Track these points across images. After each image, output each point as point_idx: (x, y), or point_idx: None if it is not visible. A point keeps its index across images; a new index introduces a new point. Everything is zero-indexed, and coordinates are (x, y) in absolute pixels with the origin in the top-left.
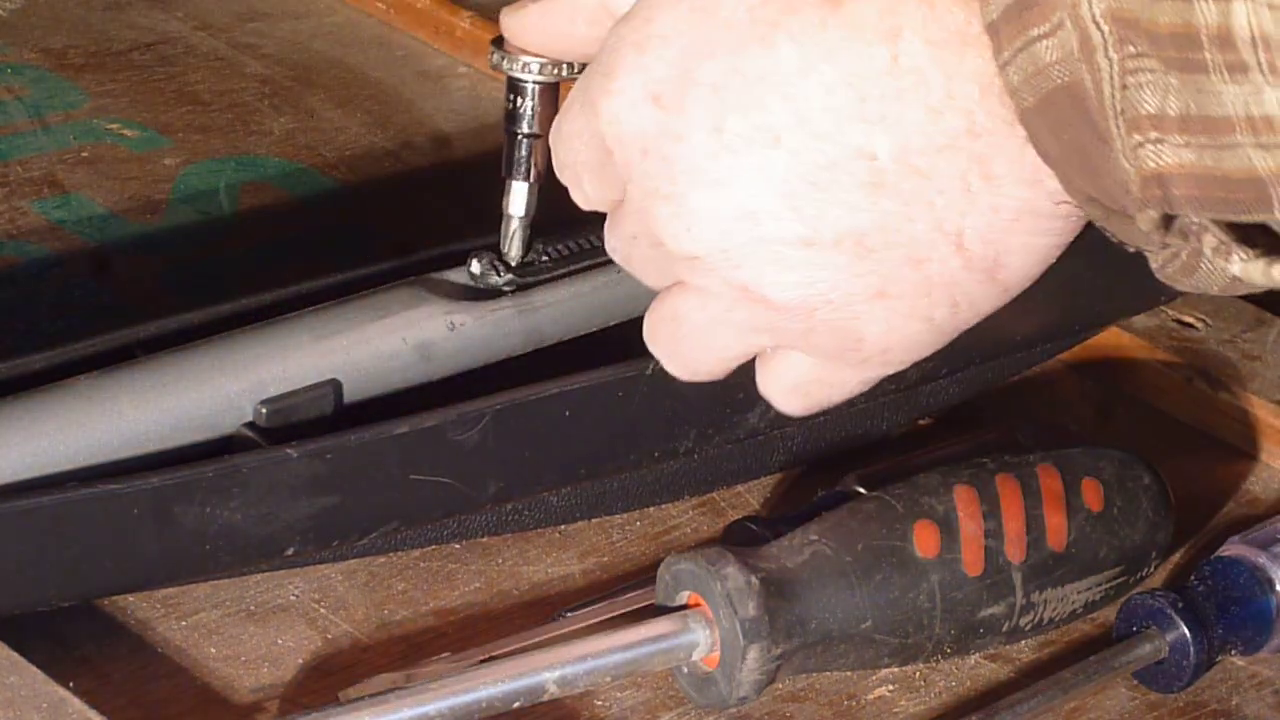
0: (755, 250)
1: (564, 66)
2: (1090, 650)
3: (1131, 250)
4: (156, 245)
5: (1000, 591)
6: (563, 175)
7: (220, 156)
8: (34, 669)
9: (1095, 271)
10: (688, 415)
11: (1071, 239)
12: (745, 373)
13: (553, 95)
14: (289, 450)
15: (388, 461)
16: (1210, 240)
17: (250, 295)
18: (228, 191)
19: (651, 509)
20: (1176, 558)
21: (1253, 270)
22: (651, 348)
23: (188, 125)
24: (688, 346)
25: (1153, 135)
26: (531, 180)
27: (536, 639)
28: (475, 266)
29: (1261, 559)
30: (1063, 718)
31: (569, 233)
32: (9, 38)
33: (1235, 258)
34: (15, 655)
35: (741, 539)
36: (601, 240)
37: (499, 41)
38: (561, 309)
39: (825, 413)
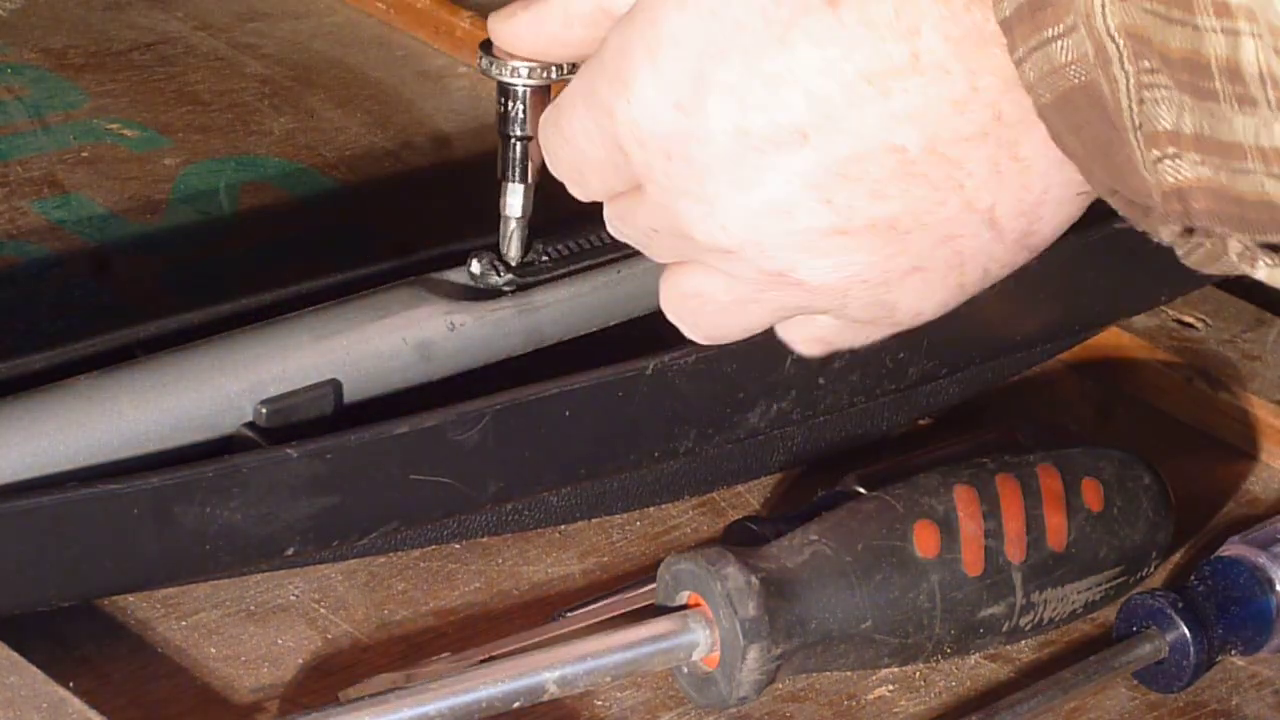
0: (789, 241)
1: (555, 69)
2: (1090, 650)
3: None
4: (156, 245)
5: (1000, 591)
6: (559, 172)
7: (220, 156)
8: (34, 669)
9: (1095, 271)
10: (688, 415)
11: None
12: (746, 373)
13: (544, 97)
14: (289, 450)
15: (388, 461)
16: (1235, 246)
17: (250, 295)
18: (228, 191)
19: (651, 509)
20: (1176, 558)
21: (1279, 276)
22: (671, 318)
23: (188, 125)
24: (713, 321)
25: (1170, 150)
26: (528, 182)
27: (536, 639)
28: (475, 266)
29: (1261, 559)
30: (1063, 718)
31: (569, 233)
32: (9, 38)
33: (1261, 264)
34: (15, 655)
35: (741, 539)
36: (602, 240)
37: (487, 46)
38: (561, 309)
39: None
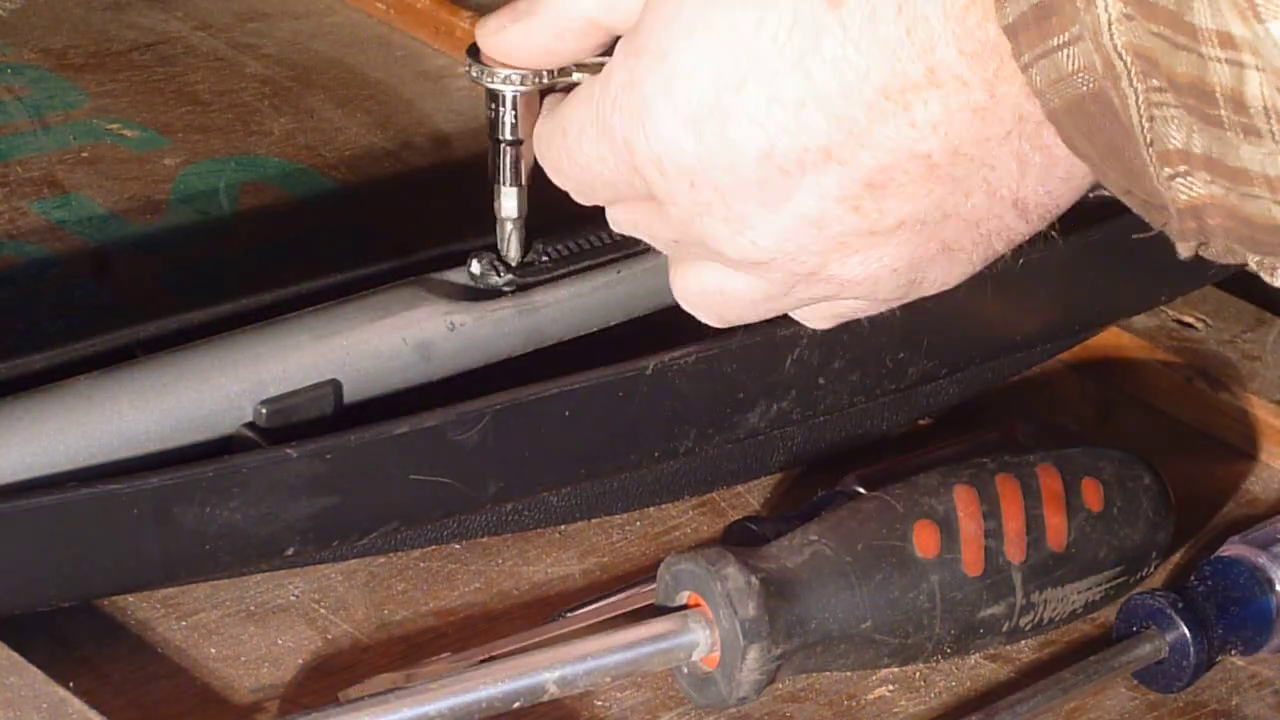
0: (820, 246)
1: (544, 74)
2: (1090, 650)
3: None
4: (156, 245)
5: (1000, 591)
6: (564, 185)
7: (220, 156)
8: (34, 669)
9: (1095, 271)
10: (688, 415)
11: None
12: (746, 373)
13: (534, 100)
14: (289, 450)
15: (388, 461)
16: (1254, 256)
17: (250, 295)
18: (228, 191)
19: (651, 509)
20: (1176, 558)
21: None
22: (686, 307)
23: (188, 125)
24: (736, 313)
25: (1182, 169)
26: (521, 184)
27: (536, 639)
28: (475, 266)
29: (1261, 559)
30: (1063, 718)
31: (569, 233)
32: (9, 38)
33: (1279, 273)
34: (15, 655)
35: (741, 539)
36: (602, 240)
37: (475, 53)
38: (561, 309)
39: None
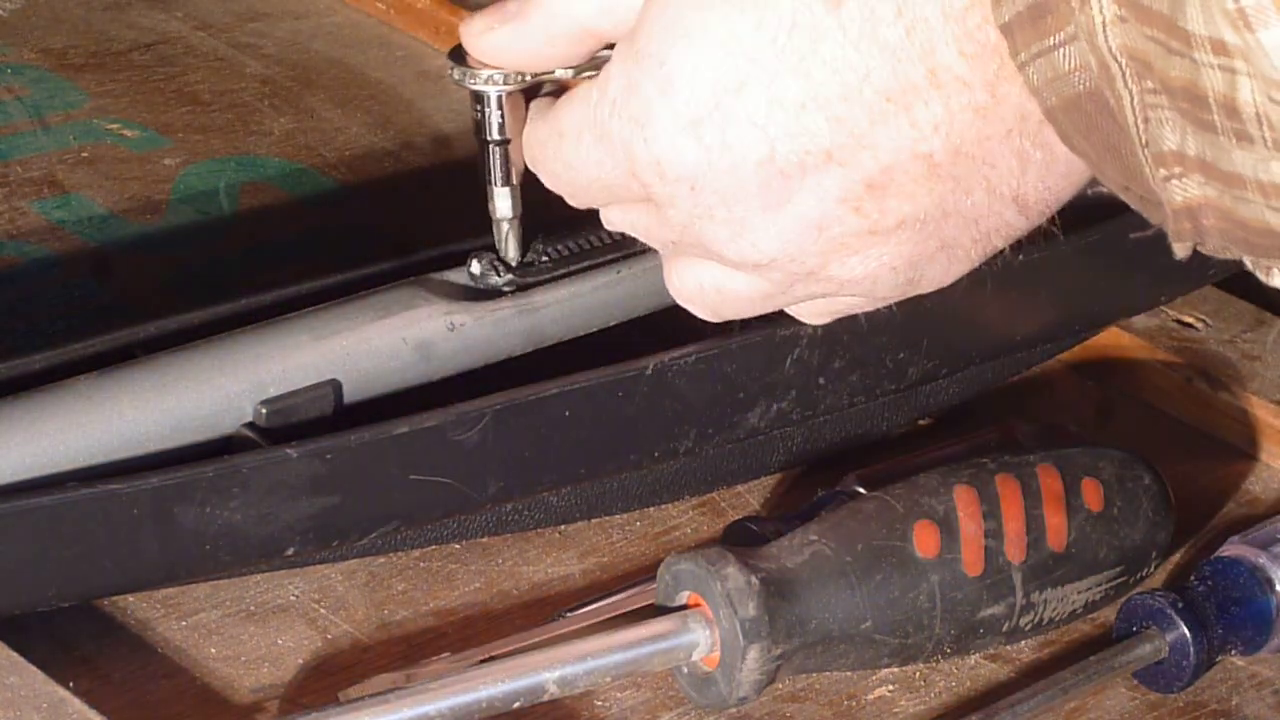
0: (820, 247)
1: (530, 74)
2: (1090, 650)
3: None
4: (156, 245)
5: (1000, 591)
6: (557, 189)
7: (220, 156)
8: (34, 669)
9: (1095, 271)
10: (688, 415)
11: None
12: (746, 373)
13: (520, 100)
14: (289, 450)
15: (388, 461)
16: (1249, 256)
17: (250, 295)
18: (228, 191)
19: (651, 509)
20: (1176, 558)
21: None
22: (683, 303)
23: (188, 125)
24: (733, 310)
25: (1177, 170)
26: (513, 183)
27: (536, 639)
28: (475, 266)
29: (1261, 559)
30: (1063, 718)
31: (569, 233)
32: (9, 38)
33: (1276, 272)
34: (15, 655)
35: (741, 539)
36: (601, 240)
37: (457, 55)
38: (561, 309)
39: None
